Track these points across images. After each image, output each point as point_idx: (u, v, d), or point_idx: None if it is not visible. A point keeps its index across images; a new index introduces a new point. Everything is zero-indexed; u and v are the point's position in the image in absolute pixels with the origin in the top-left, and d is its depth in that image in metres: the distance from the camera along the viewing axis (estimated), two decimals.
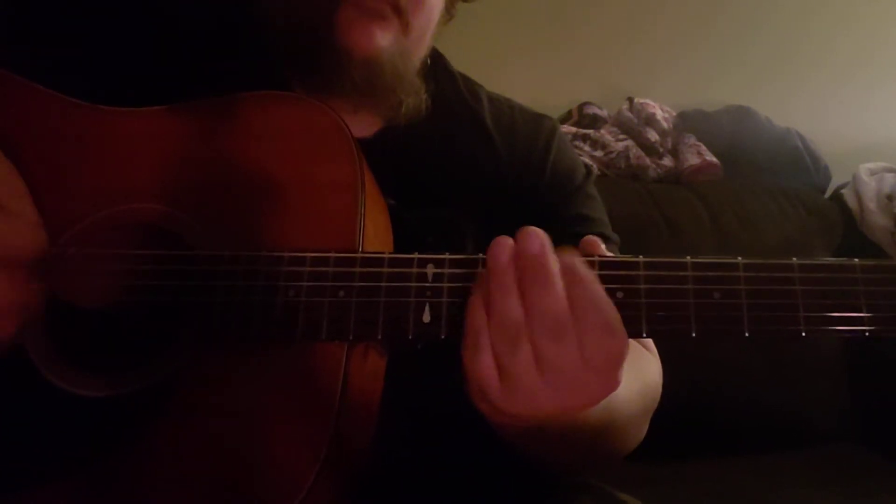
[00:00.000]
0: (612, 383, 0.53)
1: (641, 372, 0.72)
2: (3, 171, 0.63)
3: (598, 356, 0.51)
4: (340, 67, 0.72)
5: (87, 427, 0.59)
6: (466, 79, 0.89)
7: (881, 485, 1.45)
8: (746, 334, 0.53)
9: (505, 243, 0.53)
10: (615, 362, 0.52)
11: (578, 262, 0.52)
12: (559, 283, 0.52)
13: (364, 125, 0.78)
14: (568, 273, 0.52)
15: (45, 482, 0.57)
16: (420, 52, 0.80)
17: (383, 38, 0.72)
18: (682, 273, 0.54)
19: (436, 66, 0.86)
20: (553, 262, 0.52)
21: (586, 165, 0.91)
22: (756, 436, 1.58)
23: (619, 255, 0.60)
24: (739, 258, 0.54)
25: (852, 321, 0.53)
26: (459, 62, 0.90)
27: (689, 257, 0.54)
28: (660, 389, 0.75)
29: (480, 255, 0.56)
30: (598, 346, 0.51)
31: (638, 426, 0.73)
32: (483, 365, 0.52)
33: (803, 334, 0.53)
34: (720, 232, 1.74)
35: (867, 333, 0.52)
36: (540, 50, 1.97)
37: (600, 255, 0.56)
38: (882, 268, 0.53)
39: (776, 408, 1.64)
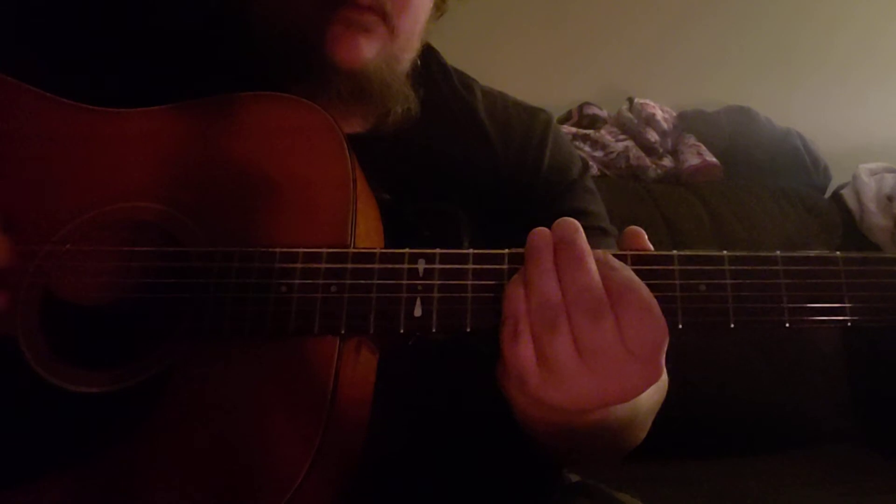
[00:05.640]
0: (655, 372, 0.53)
1: None
2: None
3: (637, 339, 0.51)
4: (327, 79, 0.72)
5: (80, 423, 0.59)
6: (460, 73, 0.89)
7: (881, 484, 1.45)
8: (732, 325, 0.54)
9: (542, 231, 0.55)
10: (656, 347, 0.52)
11: (609, 255, 0.54)
12: (593, 265, 0.53)
13: (357, 121, 0.78)
14: (600, 261, 0.53)
15: (37, 478, 0.57)
16: (408, 54, 0.79)
17: (369, 50, 0.72)
18: (668, 266, 0.55)
19: (429, 60, 0.85)
20: (587, 244, 0.54)
21: (582, 158, 0.90)
22: (756, 436, 1.58)
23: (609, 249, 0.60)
24: (725, 251, 0.55)
25: (834, 311, 0.54)
26: (458, 62, 0.90)
27: (675, 251, 0.55)
28: (667, 382, 0.75)
29: (471, 250, 0.57)
30: (636, 327, 0.51)
31: (648, 422, 0.73)
32: (522, 352, 0.53)
33: (787, 325, 0.54)
34: (720, 232, 1.73)
35: (849, 323, 0.53)
36: (540, 50, 1.97)
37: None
38: (864, 260, 0.54)
39: (776, 408, 1.64)
